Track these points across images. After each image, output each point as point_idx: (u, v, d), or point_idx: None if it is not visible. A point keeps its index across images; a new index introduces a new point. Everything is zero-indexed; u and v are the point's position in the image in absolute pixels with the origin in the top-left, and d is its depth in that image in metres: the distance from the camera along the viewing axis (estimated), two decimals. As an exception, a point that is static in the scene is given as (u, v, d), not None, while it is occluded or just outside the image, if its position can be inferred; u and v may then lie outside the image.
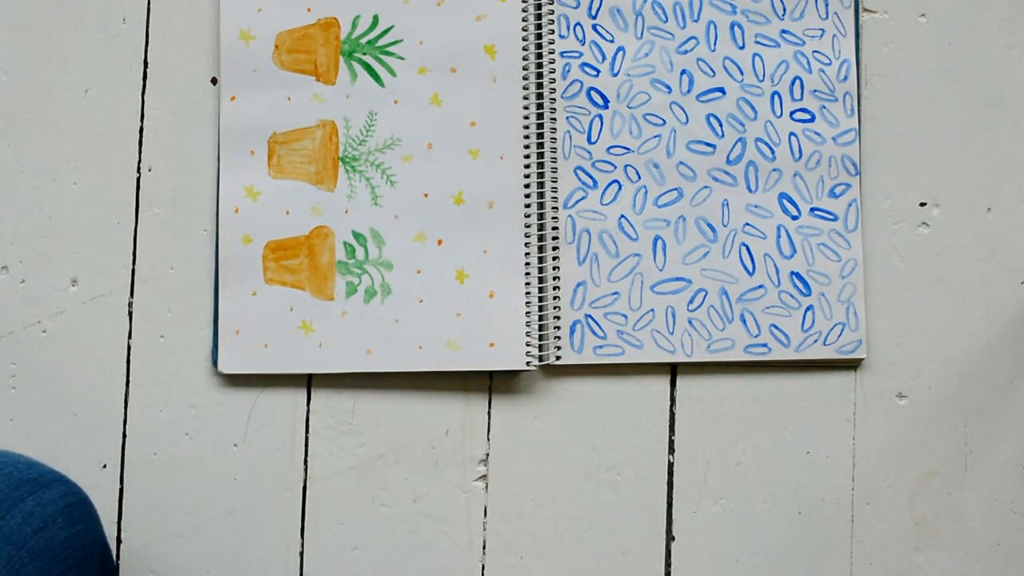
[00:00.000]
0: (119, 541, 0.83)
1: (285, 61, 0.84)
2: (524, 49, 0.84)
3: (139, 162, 0.85)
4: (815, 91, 0.83)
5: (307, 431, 0.84)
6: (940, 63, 0.85)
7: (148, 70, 0.86)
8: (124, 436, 0.84)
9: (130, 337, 0.84)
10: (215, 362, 0.83)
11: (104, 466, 0.84)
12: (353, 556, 0.83)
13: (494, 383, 0.84)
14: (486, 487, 0.83)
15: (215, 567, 0.83)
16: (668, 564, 0.83)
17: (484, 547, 0.83)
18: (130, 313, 0.85)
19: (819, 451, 0.83)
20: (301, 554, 0.83)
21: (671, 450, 0.83)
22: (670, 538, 0.83)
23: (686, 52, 0.83)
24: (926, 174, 0.84)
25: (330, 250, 0.83)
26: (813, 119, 0.83)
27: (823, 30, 0.83)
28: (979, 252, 0.84)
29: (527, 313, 0.82)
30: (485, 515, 0.83)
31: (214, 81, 0.85)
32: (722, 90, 0.83)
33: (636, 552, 0.83)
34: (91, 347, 0.84)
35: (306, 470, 0.83)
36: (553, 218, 0.83)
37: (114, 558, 0.83)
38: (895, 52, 0.85)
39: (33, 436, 0.84)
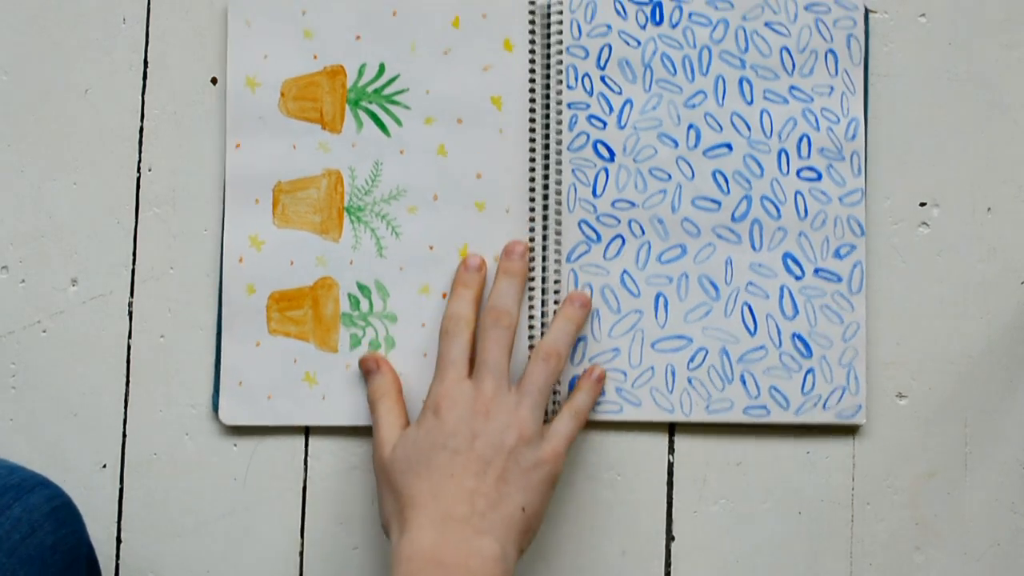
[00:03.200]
0: (119, 541, 0.83)
1: (291, 109, 0.84)
2: (531, 101, 0.83)
3: (139, 162, 0.85)
4: (822, 149, 0.82)
5: (307, 431, 0.84)
6: (940, 63, 0.85)
7: (148, 70, 0.86)
8: (124, 436, 0.84)
9: (130, 337, 0.84)
10: (215, 410, 0.83)
11: (104, 466, 0.84)
12: (353, 556, 0.83)
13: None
14: (486, 487, 0.83)
15: (215, 567, 0.83)
16: (668, 564, 0.83)
17: (484, 547, 0.83)
18: (130, 313, 0.85)
19: (819, 451, 0.83)
20: (301, 554, 0.83)
21: (671, 450, 0.83)
22: (670, 538, 0.83)
23: (694, 106, 0.83)
24: (926, 174, 0.84)
25: (334, 301, 0.83)
26: (820, 178, 0.82)
27: (832, 87, 0.83)
28: (979, 252, 0.84)
29: None
30: (485, 515, 0.83)
31: (214, 81, 0.85)
32: (729, 146, 0.82)
33: (636, 552, 0.83)
34: (91, 347, 0.84)
35: (306, 470, 0.83)
36: (556, 272, 0.82)
37: (103, 558, 0.83)
38: (895, 52, 0.85)
39: (33, 436, 0.84)
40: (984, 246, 0.84)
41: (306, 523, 0.83)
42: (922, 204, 0.84)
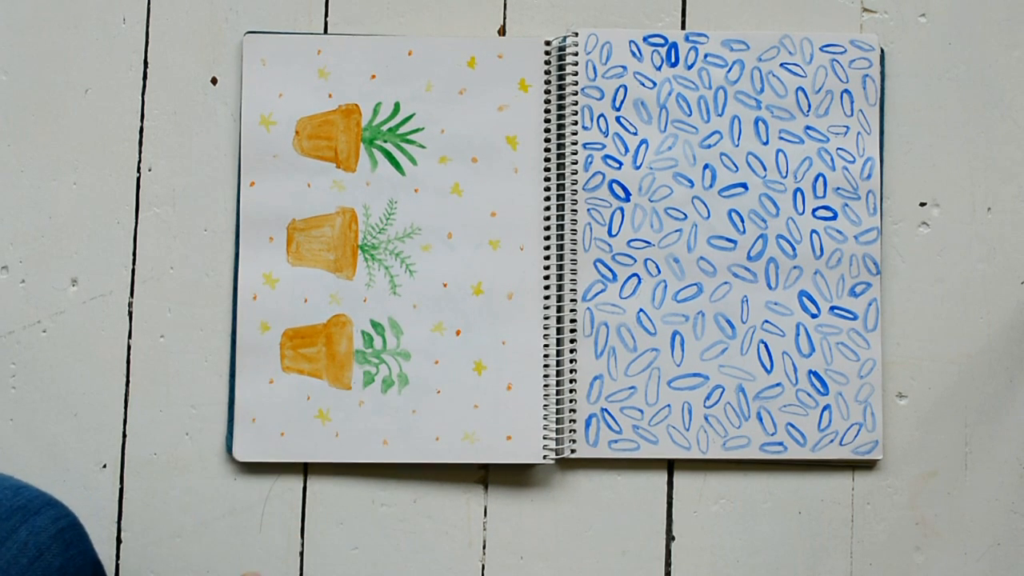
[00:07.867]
0: (119, 541, 0.83)
1: (305, 147, 0.84)
2: (546, 140, 0.83)
3: (139, 162, 0.85)
4: (838, 189, 0.82)
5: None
6: (940, 63, 0.85)
7: (148, 70, 0.86)
8: (124, 436, 0.84)
9: (130, 337, 0.84)
10: (229, 449, 0.83)
11: (104, 466, 0.84)
12: (353, 556, 0.83)
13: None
14: (486, 487, 0.83)
15: (215, 567, 0.83)
16: (668, 564, 0.83)
17: (484, 547, 0.83)
18: (130, 313, 0.85)
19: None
20: (301, 554, 0.83)
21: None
22: (670, 538, 0.83)
23: (709, 146, 0.83)
24: (926, 174, 0.84)
25: (348, 339, 0.83)
26: (835, 217, 0.82)
27: (847, 127, 0.83)
28: (979, 252, 0.84)
29: (544, 406, 0.82)
30: (485, 515, 0.83)
31: (214, 81, 0.85)
32: (744, 185, 0.83)
33: (636, 552, 0.83)
34: (91, 347, 0.84)
35: (306, 469, 0.83)
36: (571, 310, 0.82)
37: (103, 558, 0.83)
38: (895, 52, 0.85)
39: (33, 436, 0.84)
40: (984, 246, 0.84)
41: (306, 523, 0.83)
42: (922, 204, 0.84)
